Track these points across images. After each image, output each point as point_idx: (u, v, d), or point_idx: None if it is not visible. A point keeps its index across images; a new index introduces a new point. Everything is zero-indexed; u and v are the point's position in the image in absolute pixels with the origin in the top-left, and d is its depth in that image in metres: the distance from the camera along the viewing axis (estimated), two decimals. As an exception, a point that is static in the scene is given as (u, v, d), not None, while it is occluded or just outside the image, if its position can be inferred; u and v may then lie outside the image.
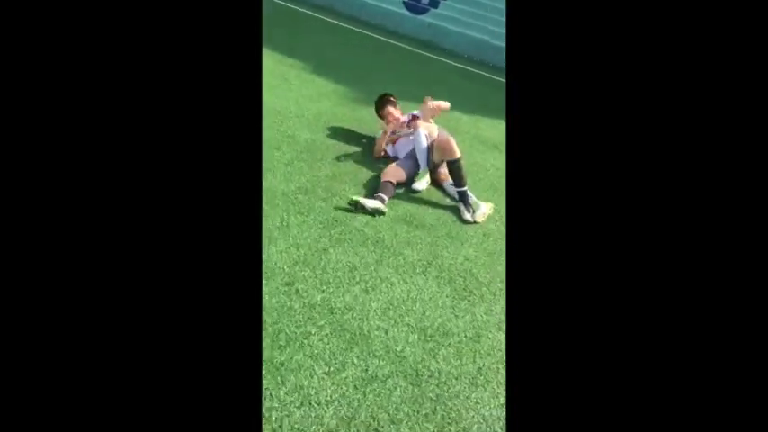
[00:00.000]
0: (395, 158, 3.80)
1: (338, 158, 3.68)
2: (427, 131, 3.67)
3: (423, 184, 3.59)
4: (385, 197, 3.17)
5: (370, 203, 3.04)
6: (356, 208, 3.01)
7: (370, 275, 2.48)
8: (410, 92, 5.54)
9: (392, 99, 4.23)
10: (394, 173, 3.43)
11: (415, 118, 4.03)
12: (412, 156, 3.66)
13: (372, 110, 4.24)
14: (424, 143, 3.62)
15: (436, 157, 3.54)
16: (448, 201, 3.52)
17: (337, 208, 3.04)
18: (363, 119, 4.52)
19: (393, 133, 3.93)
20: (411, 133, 3.81)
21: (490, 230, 3.27)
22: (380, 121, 4.11)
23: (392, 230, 2.94)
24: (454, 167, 3.43)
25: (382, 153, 3.92)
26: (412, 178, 3.56)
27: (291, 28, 7.26)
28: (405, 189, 3.47)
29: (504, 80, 8.61)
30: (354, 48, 7.39)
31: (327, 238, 2.71)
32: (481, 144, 4.85)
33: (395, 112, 4.18)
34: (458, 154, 3.42)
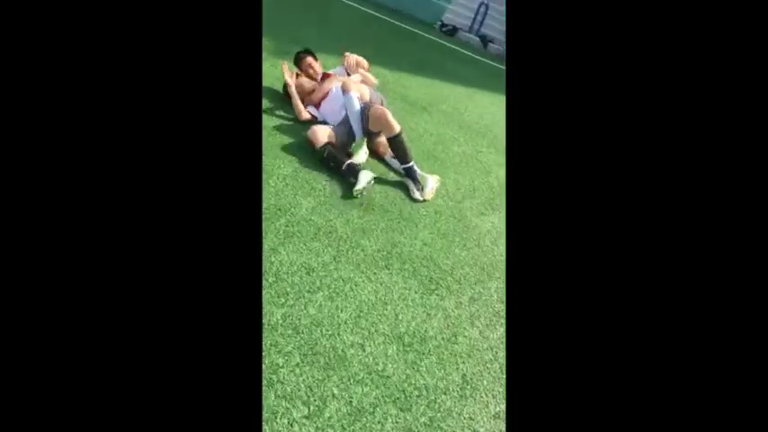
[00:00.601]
0: (323, 123, 3.42)
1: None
2: (359, 93, 3.28)
3: (361, 156, 3.25)
4: (357, 162, 3.03)
5: (365, 180, 2.86)
6: (362, 195, 2.85)
7: (330, 277, 2.15)
8: (332, 46, 5.08)
9: (311, 53, 3.84)
10: (323, 134, 3.08)
11: (326, 76, 3.66)
12: (344, 122, 3.28)
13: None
14: (357, 106, 3.22)
15: (372, 126, 3.19)
16: (391, 175, 3.22)
17: (275, 190, 2.63)
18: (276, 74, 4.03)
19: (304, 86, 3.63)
20: (326, 93, 3.47)
21: (440, 207, 3.04)
22: (287, 73, 3.64)
23: (342, 216, 2.61)
24: (396, 141, 3.10)
25: (307, 115, 3.51)
26: (346, 147, 3.22)
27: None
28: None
29: (434, 38, 8.45)
30: None
31: (273, 233, 2.32)
32: (410, 106, 4.55)
33: (315, 64, 3.79)
34: (397, 128, 3.08)
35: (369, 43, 6.34)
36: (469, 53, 8.83)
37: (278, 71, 3.92)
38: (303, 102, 3.59)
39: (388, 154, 3.29)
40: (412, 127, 4.09)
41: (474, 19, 10.32)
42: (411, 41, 7.86)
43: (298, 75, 3.76)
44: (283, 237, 2.31)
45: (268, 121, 3.33)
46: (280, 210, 2.50)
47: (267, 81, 3.91)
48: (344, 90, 3.26)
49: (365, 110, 3.20)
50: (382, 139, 3.26)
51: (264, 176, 2.73)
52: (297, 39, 5.19)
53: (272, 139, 3.14)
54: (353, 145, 3.30)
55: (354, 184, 2.81)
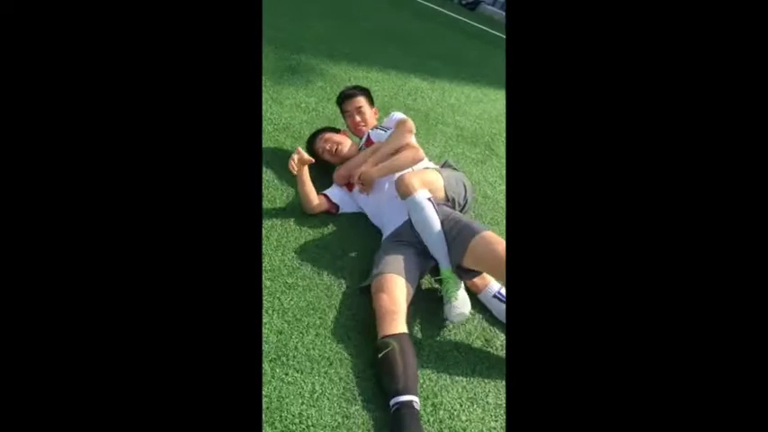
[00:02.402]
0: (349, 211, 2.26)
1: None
2: (427, 188, 1.99)
3: (462, 303, 1.89)
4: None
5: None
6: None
7: None
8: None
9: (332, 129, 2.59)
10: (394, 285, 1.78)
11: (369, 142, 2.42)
12: (405, 234, 2.02)
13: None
14: (435, 220, 1.93)
15: (475, 262, 1.85)
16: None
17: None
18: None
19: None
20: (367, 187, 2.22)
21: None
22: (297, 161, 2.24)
23: None
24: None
25: (323, 205, 2.25)
26: (416, 283, 1.91)
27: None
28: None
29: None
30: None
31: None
32: (470, 146, 3.29)
33: (340, 140, 2.47)
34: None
35: (392, 39, 4.97)
36: (500, 34, 7.42)
37: (283, 139, 2.62)
38: (337, 171, 2.35)
39: (490, 287, 2.02)
40: (487, 180, 2.85)
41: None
42: (433, 23, 6.45)
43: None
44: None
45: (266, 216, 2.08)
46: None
47: (268, 139, 2.63)
48: (402, 191, 1.97)
49: (450, 222, 1.95)
50: (476, 259, 1.89)
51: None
52: (303, 40, 3.84)
53: (272, 237, 1.89)
54: (444, 285, 1.91)
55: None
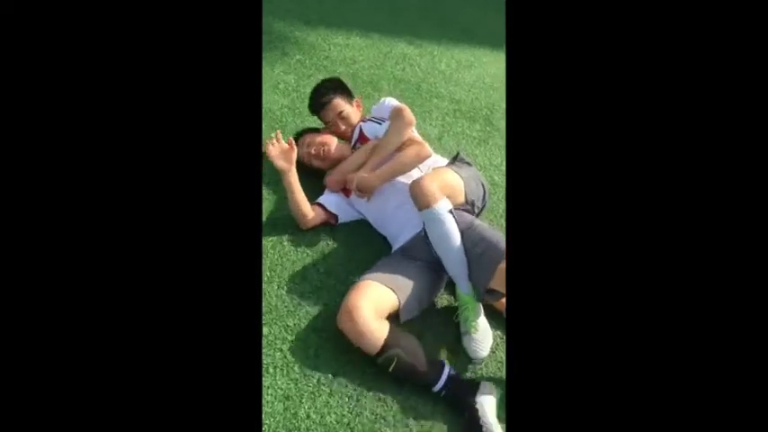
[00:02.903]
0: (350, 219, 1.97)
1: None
2: (446, 196, 1.67)
3: (482, 336, 1.65)
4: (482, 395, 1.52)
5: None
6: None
7: None
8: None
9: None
10: (382, 304, 1.56)
11: (363, 139, 2.09)
12: (417, 248, 1.74)
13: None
14: (456, 235, 1.64)
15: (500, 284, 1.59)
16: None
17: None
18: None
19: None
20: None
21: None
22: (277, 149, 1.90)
23: None
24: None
25: (317, 218, 1.91)
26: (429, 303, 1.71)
27: None
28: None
29: None
30: None
31: None
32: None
33: (327, 140, 2.10)
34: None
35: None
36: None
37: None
38: (330, 173, 2.03)
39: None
40: (492, 164, 2.57)
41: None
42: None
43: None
44: None
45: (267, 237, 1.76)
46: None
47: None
48: (420, 201, 1.65)
49: (472, 236, 1.66)
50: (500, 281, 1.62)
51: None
52: (270, 1, 3.38)
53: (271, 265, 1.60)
54: (462, 313, 1.67)
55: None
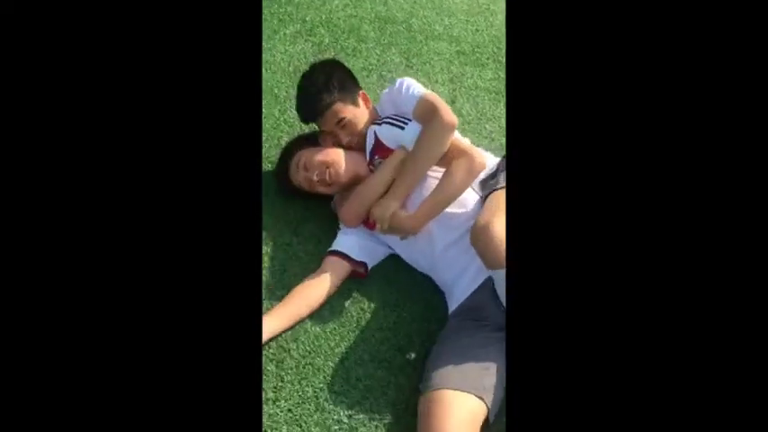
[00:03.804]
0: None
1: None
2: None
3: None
4: None
5: None
6: None
7: None
8: None
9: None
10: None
11: (382, 151, 1.59)
12: (485, 307, 1.39)
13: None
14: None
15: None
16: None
17: None
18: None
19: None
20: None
21: None
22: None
23: None
24: None
25: (342, 274, 1.53)
26: None
27: None
28: None
29: None
30: None
31: None
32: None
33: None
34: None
35: None
36: None
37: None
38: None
39: None
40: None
41: None
42: None
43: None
44: None
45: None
46: None
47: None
48: (489, 258, 1.27)
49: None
50: None
51: None
52: None
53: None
54: None
55: None
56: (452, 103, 2.22)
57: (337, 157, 1.57)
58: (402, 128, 1.54)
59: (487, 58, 2.52)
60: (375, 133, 1.59)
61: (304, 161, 1.56)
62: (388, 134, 1.57)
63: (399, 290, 1.56)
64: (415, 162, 1.47)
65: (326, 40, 2.25)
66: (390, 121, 1.58)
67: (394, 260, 1.60)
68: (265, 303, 1.44)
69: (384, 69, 2.26)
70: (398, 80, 1.60)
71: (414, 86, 1.56)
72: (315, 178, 1.54)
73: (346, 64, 1.83)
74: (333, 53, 2.22)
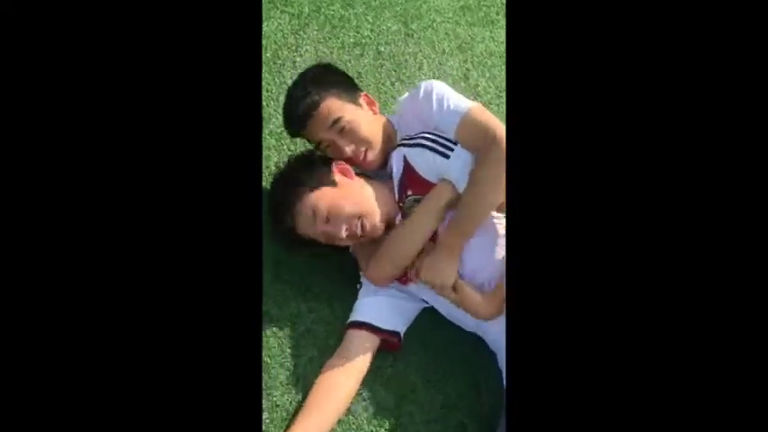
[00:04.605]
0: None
1: None
2: None
3: None
4: None
5: None
6: None
7: None
8: None
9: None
10: None
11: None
12: None
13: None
14: None
15: None
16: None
17: None
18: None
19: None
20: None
21: None
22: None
23: None
24: None
25: (372, 347, 1.21)
26: None
27: None
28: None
29: None
30: None
31: None
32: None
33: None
34: None
35: None
36: None
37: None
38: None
39: None
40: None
41: None
42: None
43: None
44: None
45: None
46: None
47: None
48: None
49: None
50: None
51: None
52: None
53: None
54: None
55: None
56: (466, 79, 1.85)
57: (370, 205, 1.21)
58: (446, 156, 1.17)
59: (497, 13, 2.11)
60: (405, 158, 1.22)
61: (325, 212, 1.17)
62: (424, 162, 1.19)
63: (441, 359, 1.28)
64: (473, 208, 1.13)
65: (307, 10, 1.80)
66: (426, 143, 1.19)
67: (430, 316, 1.31)
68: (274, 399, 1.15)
69: (381, 42, 1.84)
70: (422, 85, 1.23)
71: (449, 97, 1.18)
72: (343, 234, 1.17)
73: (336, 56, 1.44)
74: (315, 27, 1.78)
